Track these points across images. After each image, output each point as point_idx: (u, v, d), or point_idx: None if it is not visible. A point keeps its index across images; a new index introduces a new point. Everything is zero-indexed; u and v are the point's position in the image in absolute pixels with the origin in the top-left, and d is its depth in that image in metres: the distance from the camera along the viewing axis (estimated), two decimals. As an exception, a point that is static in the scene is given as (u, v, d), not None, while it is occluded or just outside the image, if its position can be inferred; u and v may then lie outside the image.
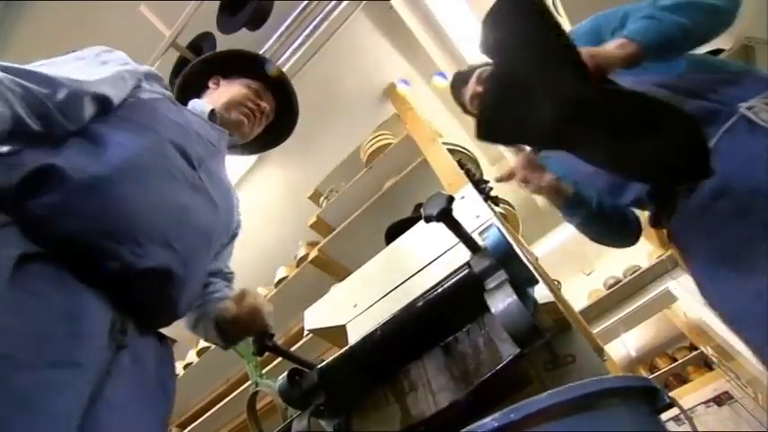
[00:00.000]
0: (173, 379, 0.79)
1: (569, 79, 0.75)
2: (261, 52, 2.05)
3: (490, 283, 0.63)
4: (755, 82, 0.86)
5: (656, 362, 5.29)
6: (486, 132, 0.88)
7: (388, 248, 1.18)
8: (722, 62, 0.97)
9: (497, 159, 2.91)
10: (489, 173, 2.56)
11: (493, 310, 0.60)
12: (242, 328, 0.92)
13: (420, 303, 0.73)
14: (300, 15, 2.00)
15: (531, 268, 0.69)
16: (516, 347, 0.59)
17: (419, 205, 1.68)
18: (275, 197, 2.66)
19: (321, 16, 2.00)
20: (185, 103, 1.03)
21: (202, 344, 2.68)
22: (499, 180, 1.12)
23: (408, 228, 1.16)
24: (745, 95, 0.83)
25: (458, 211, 0.63)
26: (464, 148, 1.97)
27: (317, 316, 1.17)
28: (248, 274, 2.62)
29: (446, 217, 0.61)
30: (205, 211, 0.86)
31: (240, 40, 1.87)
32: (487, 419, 0.45)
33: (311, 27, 2.02)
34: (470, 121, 2.73)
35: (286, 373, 0.79)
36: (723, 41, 1.93)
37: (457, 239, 0.67)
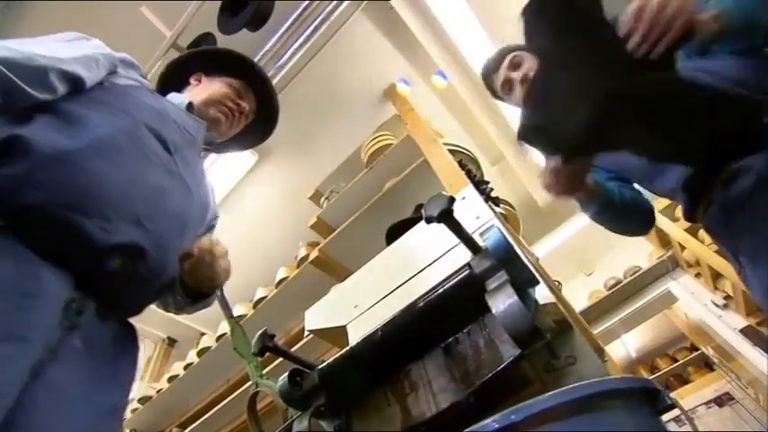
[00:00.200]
0: (130, 369, 0.76)
1: (617, 66, 0.75)
2: (262, 53, 2.05)
3: (491, 284, 0.63)
4: None
5: (656, 362, 5.28)
6: (530, 136, 0.87)
7: (388, 249, 1.18)
8: None
9: (498, 160, 2.91)
10: (490, 173, 2.56)
11: (494, 311, 0.59)
12: (199, 272, 0.89)
13: (421, 304, 0.73)
14: (301, 16, 2.00)
15: (532, 269, 0.69)
16: (517, 348, 0.59)
17: (420, 206, 1.68)
18: (276, 197, 2.67)
19: (322, 17, 2.00)
20: (164, 96, 1.02)
21: (203, 344, 2.69)
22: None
23: (409, 228, 1.16)
24: None
25: (458, 212, 0.63)
26: (465, 149, 1.97)
27: (318, 316, 1.17)
28: (249, 275, 2.63)
29: (447, 218, 0.61)
30: (181, 197, 0.85)
31: (241, 40, 1.87)
32: (488, 420, 0.44)
33: (312, 28, 2.02)
34: (471, 122, 2.73)
35: (286, 374, 0.78)
36: None
37: (458, 240, 0.67)
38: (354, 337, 0.95)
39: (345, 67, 2.25)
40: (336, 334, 1.08)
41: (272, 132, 1.33)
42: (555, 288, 1.54)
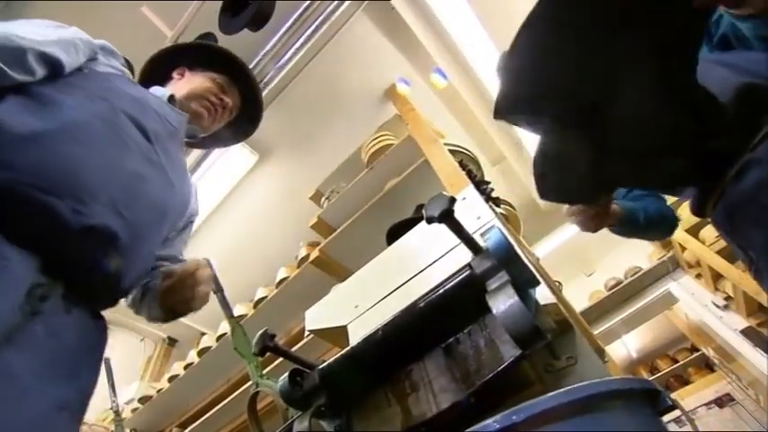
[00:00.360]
0: (94, 364, 0.73)
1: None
2: (262, 53, 2.06)
3: (492, 285, 0.63)
4: None
5: (656, 363, 5.28)
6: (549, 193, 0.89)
7: (389, 249, 1.18)
8: None
9: (499, 160, 2.91)
10: (490, 174, 2.56)
11: (494, 312, 0.59)
12: (177, 293, 0.87)
13: (421, 304, 0.73)
14: (302, 16, 2.00)
15: (533, 269, 0.69)
16: (518, 349, 0.59)
17: (420, 206, 1.68)
18: (276, 197, 2.67)
19: (322, 17, 2.00)
20: (146, 88, 1.00)
21: (203, 344, 2.69)
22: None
23: (409, 228, 1.16)
24: None
25: (459, 212, 0.63)
26: (465, 149, 1.97)
27: (318, 316, 1.17)
28: (249, 275, 2.63)
29: (448, 218, 0.61)
30: (160, 186, 0.83)
31: (242, 40, 1.87)
32: (489, 421, 0.44)
33: (312, 28, 2.02)
34: (472, 122, 2.73)
35: (287, 374, 0.78)
36: None
37: (458, 240, 0.67)
38: (355, 338, 0.95)
39: (346, 67, 2.25)
40: (337, 334, 1.08)
41: (256, 128, 1.32)
42: (555, 288, 1.54)
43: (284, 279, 2.39)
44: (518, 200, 2.92)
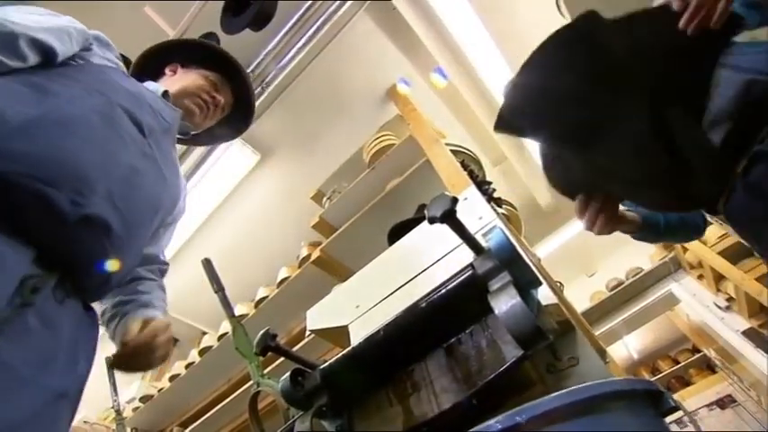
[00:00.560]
0: (88, 355, 0.74)
1: None
2: (264, 52, 2.06)
3: (494, 285, 0.63)
4: None
5: (658, 364, 5.27)
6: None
7: (390, 249, 1.18)
8: None
9: (500, 160, 2.91)
10: (492, 174, 2.56)
11: (496, 312, 0.59)
12: (128, 358, 0.84)
13: (423, 304, 0.73)
14: (304, 16, 2.00)
15: (535, 270, 0.69)
16: (519, 349, 0.59)
17: (422, 206, 1.68)
18: (278, 197, 2.67)
19: (324, 17, 2.00)
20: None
21: (204, 343, 2.69)
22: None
23: (411, 228, 1.16)
24: None
25: (461, 213, 0.63)
26: (467, 149, 1.97)
27: (320, 316, 1.17)
28: (250, 274, 2.63)
29: (450, 218, 0.61)
30: (154, 180, 0.83)
31: (243, 40, 1.88)
32: (492, 421, 0.44)
33: (314, 28, 2.02)
34: (473, 122, 2.72)
35: (288, 374, 0.78)
36: None
37: (460, 241, 0.67)
38: (356, 338, 0.95)
39: (348, 66, 2.25)
40: (338, 334, 1.08)
41: (248, 126, 1.32)
42: (557, 289, 1.54)
43: (285, 279, 2.39)
44: (519, 200, 2.92)
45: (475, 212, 1.00)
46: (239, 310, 2.51)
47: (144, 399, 2.73)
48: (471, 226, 0.79)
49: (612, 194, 0.98)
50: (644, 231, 1.11)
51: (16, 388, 0.57)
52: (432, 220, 0.61)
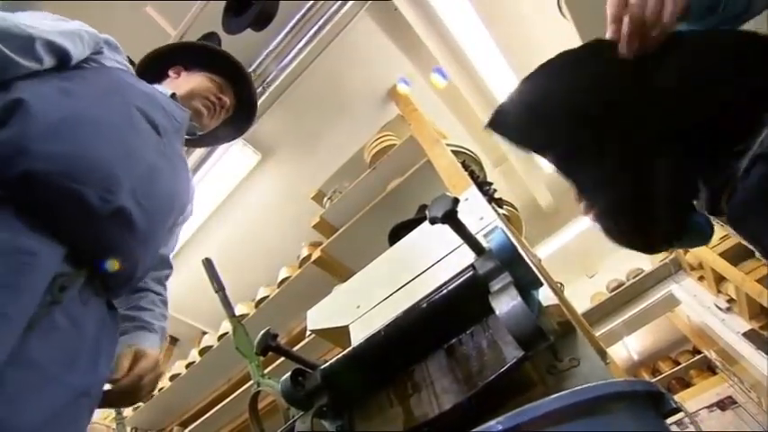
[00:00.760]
0: (110, 353, 0.75)
1: None
2: (266, 52, 2.06)
3: (494, 286, 0.63)
4: None
5: (658, 365, 5.26)
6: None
7: (391, 249, 1.18)
8: None
9: (501, 161, 2.91)
10: (493, 175, 2.56)
11: (497, 313, 0.59)
12: (113, 394, 0.83)
13: (424, 305, 0.73)
14: (305, 16, 2.00)
15: (535, 271, 0.69)
16: (520, 350, 0.59)
17: (423, 206, 1.68)
18: (278, 197, 2.67)
19: (326, 17, 2.00)
20: None
21: (204, 343, 2.69)
22: None
23: (412, 229, 1.16)
24: None
25: (461, 213, 0.63)
26: (468, 150, 1.97)
27: (320, 316, 1.17)
28: (251, 274, 2.63)
29: (451, 219, 0.61)
30: (171, 178, 0.85)
31: (245, 40, 1.88)
32: (493, 422, 0.44)
33: (316, 28, 2.02)
34: (474, 122, 2.72)
35: (289, 374, 0.78)
36: None
37: (461, 241, 0.67)
38: (357, 338, 0.95)
39: (349, 67, 2.25)
40: (338, 334, 1.08)
41: (250, 126, 1.35)
42: (557, 290, 1.54)
43: (286, 279, 2.39)
44: (520, 201, 2.92)
45: (476, 213, 1.00)
46: (240, 309, 2.51)
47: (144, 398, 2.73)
48: (472, 226, 0.79)
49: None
50: None
51: (42, 386, 0.59)
52: (433, 221, 0.61)
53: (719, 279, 2.90)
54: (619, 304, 3.57)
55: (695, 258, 3.04)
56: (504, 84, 2.39)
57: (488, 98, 2.51)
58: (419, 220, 1.35)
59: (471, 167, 1.77)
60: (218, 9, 1.92)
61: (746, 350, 2.85)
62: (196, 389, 2.70)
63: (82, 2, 1.88)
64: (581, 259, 3.85)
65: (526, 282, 0.65)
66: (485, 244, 0.67)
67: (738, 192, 0.87)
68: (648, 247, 0.95)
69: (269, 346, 0.79)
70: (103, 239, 0.68)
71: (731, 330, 2.95)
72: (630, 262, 3.56)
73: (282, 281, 2.41)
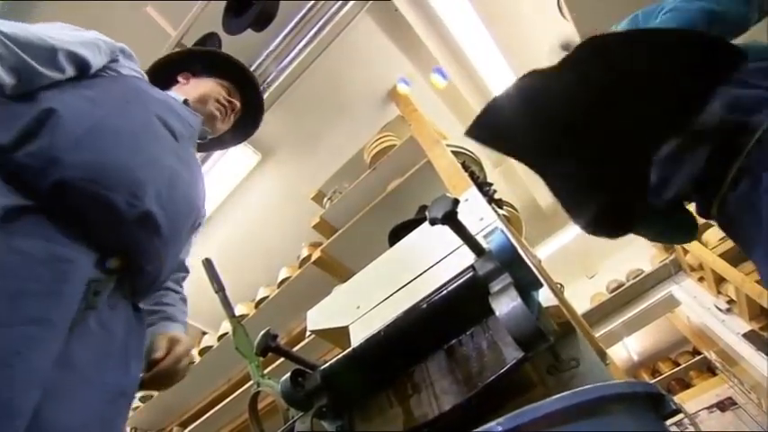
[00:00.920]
0: (140, 354, 0.78)
1: None
2: (266, 53, 2.06)
3: (494, 287, 0.63)
4: None
5: (658, 366, 5.26)
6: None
7: (391, 250, 1.18)
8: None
9: (501, 161, 2.91)
10: (492, 175, 2.56)
11: (497, 314, 0.59)
12: (155, 377, 0.86)
13: (424, 306, 0.73)
14: (305, 17, 2.00)
15: (536, 271, 0.69)
16: (520, 351, 0.59)
17: (423, 207, 1.68)
18: (278, 197, 2.67)
19: (326, 18, 2.00)
20: None
21: (204, 343, 2.69)
22: None
23: (412, 229, 1.16)
24: None
25: (462, 214, 0.63)
26: (468, 150, 1.97)
27: (320, 317, 1.17)
28: (251, 275, 2.63)
29: (451, 220, 0.61)
30: (189, 182, 0.88)
31: (245, 40, 1.88)
32: (493, 423, 0.44)
33: (316, 28, 2.02)
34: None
35: (289, 374, 0.78)
36: None
37: (461, 242, 0.67)
38: (356, 338, 0.95)
39: (349, 67, 2.25)
40: (338, 334, 1.08)
41: (256, 129, 1.37)
42: (557, 290, 1.54)
43: (286, 279, 2.39)
44: (520, 201, 2.92)
45: (476, 214, 1.00)
46: (239, 310, 2.51)
47: (144, 398, 2.73)
48: (472, 227, 0.79)
49: None
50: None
51: (84, 388, 0.61)
52: (433, 222, 0.61)
53: (719, 280, 2.90)
54: (619, 305, 3.57)
55: (695, 259, 3.04)
56: (503, 84, 2.39)
57: (488, 98, 2.50)
58: (419, 220, 1.35)
59: (471, 168, 1.77)
60: (218, 9, 1.92)
61: (746, 351, 2.85)
62: (196, 389, 2.70)
63: (83, 2, 1.88)
64: (581, 260, 3.85)
65: (526, 283, 0.65)
66: (485, 245, 0.67)
67: (729, 203, 0.88)
68: (614, 226, 0.95)
69: (269, 347, 0.79)
70: (132, 243, 0.70)
71: (731, 331, 2.95)
72: (630, 263, 3.56)
73: (282, 281, 2.41)
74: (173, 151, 0.84)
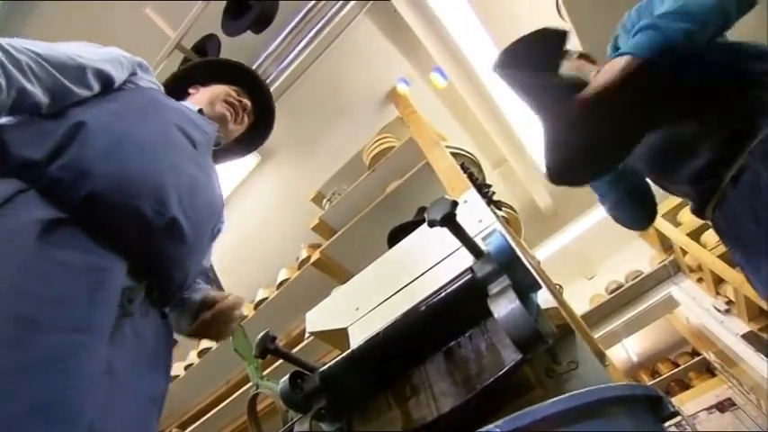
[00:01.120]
0: (169, 360, 0.80)
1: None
2: (265, 54, 2.06)
3: (493, 289, 0.63)
4: None
5: (657, 367, 5.25)
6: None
7: (390, 252, 1.18)
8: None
9: (500, 163, 2.91)
10: (492, 176, 2.56)
11: (496, 316, 0.59)
12: (211, 327, 0.91)
13: (422, 307, 0.73)
14: (305, 18, 2.00)
15: (534, 273, 0.69)
16: (519, 353, 0.59)
17: (422, 208, 1.68)
18: (278, 199, 2.67)
19: (325, 19, 2.00)
20: None
21: (203, 345, 2.69)
22: None
23: (411, 231, 1.16)
24: None
25: (461, 216, 0.63)
26: (467, 152, 1.97)
27: (319, 318, 1.17)
28: (250, 276, 2.63)
29: (450, 222, 0.61)
30: (209, 188, 0.90)
31: (244, 42, 1.88)
32: (491, 426, 0.44)
33: (315, 30, 2.02)
34: (473, 124, 2.73)
35: (288, 376, 0.78)
36: None
37: (460, 243, 0.67)
38: (356, 340, 0.95)
39: (348, 69, 2.25)
40: (337, 336, 1.08)
41: (269, 135, 1.38)
42: (556, 292, 1.54)
43: (285, 281, 2.39)
44: (519, 203, 2.92)
45: (474, 215, 1.00)
46: (239, 311, 2.50)
47: (143, 400, 2.73)
48: (471, 229, 0.79)
49: None
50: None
51: (122, 394, 0.63)
52: (431, 224, 0.61)
53: (718, 281, 2.91)
54: (618, 306, 3.57)
55: (694, 260, 3.04)
56: (502, 86, 2.39)
57: (487, 100, 2.51)
58: (418, 222, 1.35)
59: (470, 169, 1.77)
60: (217, 10, 1.91)
61: (745, 352, 2.85)
62: (195, 390, 2.70)
63: (83, 2, 1.88)
64: (580, 261, 3.85)
65: (524, 285, 0.65)
66: (483, 247, 0.67)
67: (728, 199, 0.88)
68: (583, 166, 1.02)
69: (267, 349, 0.79)
70: (159, 251, 0.72)
71: (730, 332, 2.96)
72: (629, 264, 3.56)
73: (281, 283, 2.41)
74: (192, 158, 0.86)
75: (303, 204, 2.45)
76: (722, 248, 2.58)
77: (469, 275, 0.68)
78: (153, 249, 0.71)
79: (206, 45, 1.94)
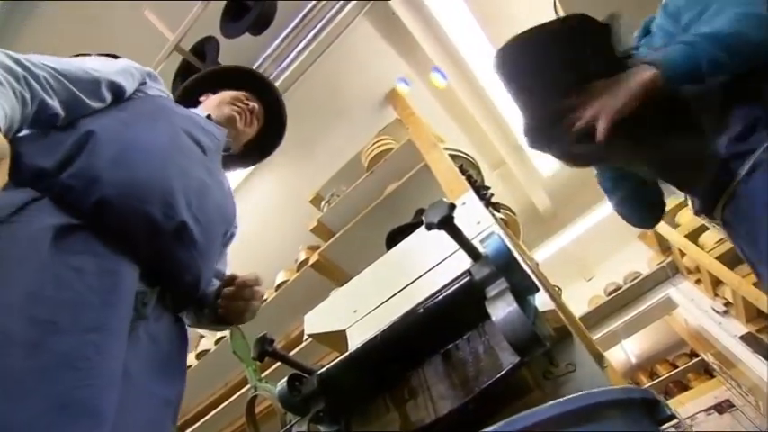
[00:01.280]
0: (183, 364, 0.81)
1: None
2: (263, 56, 2.06)
3: (491, 291, 0.63)
4: None
5: (656, 368, 5.26)
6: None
7: (388, 254, 1.18)
8: None
9: (498, 165, 2.91)
10: (490, 178, 2.56)
11: (493, 319, 0.59)
12: (234, 300, 0.93)
13: (420, 310, 0.73)
14: (303, 20, 2.00)
15: (532, 275, 0.69)
16: (516, 356, 0.59)
17: (420, 210, 1.68)
18: (276, 201, 2.67)
19: (324, 21, 2.01)
20: None
21: (202, 346, 2.68)
22: None
23: (409, 233, 1.16)
24: None
25: (459, 218, 0.63)
26: (465, 154, 1.97)
27: (317, 320, 1.17)
28: (248, 278, 2.62)
29: (447, 225, 0.61)
30: (219, 193, 0.92)
31: (243, 44, 1.88)
32: (489, 429, 0.44)
33: (314, 32, 2.03)
34: (472, 126, 2.73)
35: (286, 379, 0.78)
36: None
37: (458, 246, 0.67)
38: (354, 342, 0.95)
39: (347, 71, 2.25)
40: (336, 338, 1.08)
41: (281, 141, 1.38)
42: (555, 294, 1.54)
43: (283, 282, 2.39)
44: (518, 205, 2.92)
45: (473, 217, 1.00)
46: (237, 313, 2.50)
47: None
48: (469, 231, 0.79)
49: None
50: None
51: (138, 396, 0.64)
52: (429, 227, 0.61)
53: (716, 282, 2.91)
54: (616, 307, 3.57)
55: (692, 262, 3.05)
56: (501, 87, 2.40)
57: (485, 102, 2.52)
58: (416, 224, 1.35)
59: (469, 171, 1.77)
60: (216, 12, 1.92)
61: (744, 353, 2.85)
62: (193, 392, 2.69)
63: (82, 2, 1.88)
64: (579, 263, 3.85)
65: (522, 287, 0.65)
66: (481, 249, 0.67)
67: (740, 197, 0.88)
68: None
69: (265, 352, 0.79)
70: (170, 256, 0.73)
71: (728, 333, 2.96)
72: (628, 265, 3.57)
73: (280, 284, 2.41)
74: (201, 163, 0.88)
75: (302, 206, 2.45)
76: (720, 250, 2.59)
77: (467, 278, 0.68)
78: (163, 253, 0.72)
79: (205, 47, 1.94)
